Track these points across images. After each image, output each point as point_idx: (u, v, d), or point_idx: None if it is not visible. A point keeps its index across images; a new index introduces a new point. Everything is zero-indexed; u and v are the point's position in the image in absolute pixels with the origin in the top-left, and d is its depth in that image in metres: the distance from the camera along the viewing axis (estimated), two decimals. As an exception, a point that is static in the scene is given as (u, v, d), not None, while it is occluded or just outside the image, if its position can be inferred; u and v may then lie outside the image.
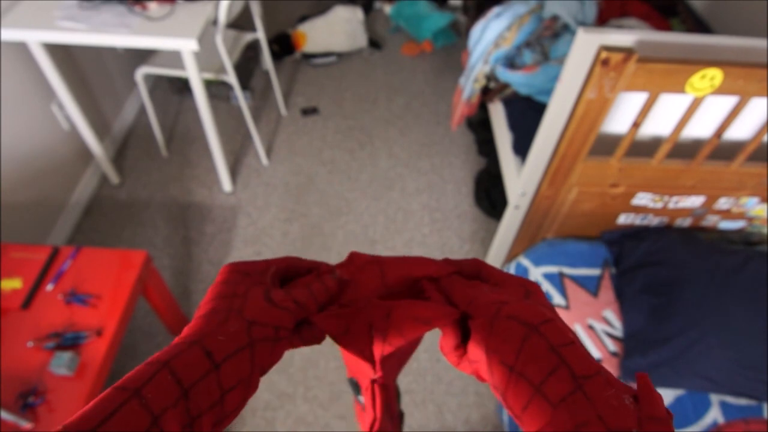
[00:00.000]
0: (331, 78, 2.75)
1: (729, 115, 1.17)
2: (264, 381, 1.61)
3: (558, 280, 1.46)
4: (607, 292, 1.44)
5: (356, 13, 2.80)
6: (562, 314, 1.38)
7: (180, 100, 2.56)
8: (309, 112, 2.53)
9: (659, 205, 1.45)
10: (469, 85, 1.81)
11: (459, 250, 2.00)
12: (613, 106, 1.22)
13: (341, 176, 2.25)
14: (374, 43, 2.93)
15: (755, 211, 1.47)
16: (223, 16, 1.67)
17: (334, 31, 2.75)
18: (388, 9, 3.08)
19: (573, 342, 0.29)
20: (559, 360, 0.28)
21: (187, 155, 2.30)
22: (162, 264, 1.90)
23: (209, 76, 1.92)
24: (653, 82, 1.09)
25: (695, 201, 1.43)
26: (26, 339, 1.16)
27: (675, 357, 1.25)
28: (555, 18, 1.66)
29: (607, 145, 1.30)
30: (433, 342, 1.71)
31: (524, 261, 1.55)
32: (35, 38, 1.53)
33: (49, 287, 1.25)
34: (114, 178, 2.14)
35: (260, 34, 2.17)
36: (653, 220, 1.52)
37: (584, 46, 1.07)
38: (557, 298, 1.42)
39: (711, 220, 1.52)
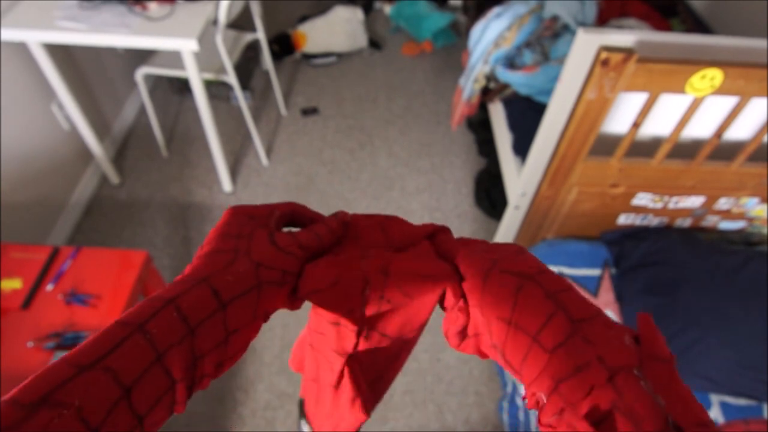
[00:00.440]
0: (331, 78, 2.75)
1: (729, 115, 1.17)
2: (264, 381, 1.61)
3: (558, 280, 1.46)
4: (607, 292, 1.44)
5: (356, 14, 2.80)
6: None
7: (180, 100, 2.56)
8: (309, 112, 2.53)
9: (659, 205, 1.45)
10: (469, 85, 1.81)
11: (459, 250, 2.00)
12: (613, 107, 1.22)
13: (341, 176, 2.25)
14: (374, 44, 2.93)
15: (755, 211, 1.47)
16: (223, 17, 1.67)
17: (334, 32, 2.75)
18: (388, 9, 3.08)
19: (570, 288, 0.28)
20: (556, 306, 0.27)
21: (187, 155, 2.30)
22: (162, 264, 1.90)
23: (209, 76, 1.92)
24: (653, 83, 1.09)
25: (695, 201, 1.43)
26: (26, 339, 1.16)
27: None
28: (555, 18, 1.66)
29: (607, 145, 1.30)
30: (434, 342, 1.71)
31: (524, 261, 1.54)
32: (35, 38, 1.53)
33: (49, 287, 1.25)
34: (114, 178, 2.14)
35: (260, 35, 2.17)
36: (653, 221, 1.52)
37: (584, 46, 1.07)
38: (557, 299, 1.42)
39: (711, 221, 1.52)
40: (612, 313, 1.40)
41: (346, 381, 0.34)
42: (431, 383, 1.64)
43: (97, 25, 1.51)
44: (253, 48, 2.54)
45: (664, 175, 1.34)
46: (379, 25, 3.13)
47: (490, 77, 1.78)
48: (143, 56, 2.00)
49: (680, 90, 1.10)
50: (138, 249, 1.52)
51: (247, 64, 2.59)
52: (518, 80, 1.69)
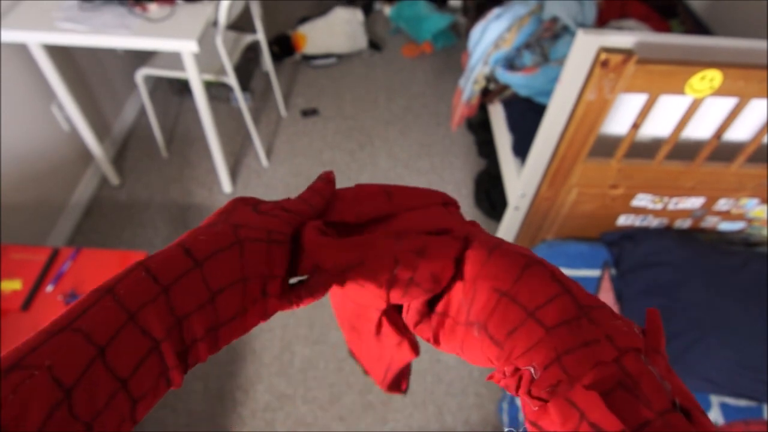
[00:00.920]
0: (331, 79, 2.75)
1: (728, 116, 1.17)
2: (264, 382, 1.61)
3: (558, 281, 1.46)
4: (607, 293, 1.44)
5: (356, 15, 2.81)
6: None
7: (180, 102, 2.56)
8: (309, 113, 2.53)
9: (659, 206, 1.45)
10: (469, 86, 1.81)
11: (459, 251, 2.00)
12: (613, 108, 1.22)
13: (341, 177, 2.25)
14: (374, 45, 2.94)
15: (755, 212, 1.47)
16: (223, 18, 1.68)
17: (334, 33, 2.75)
18: (388, 10, 3.09)
19: (578, 283, 0.28)
20: (562, 289, 0.27)
21: (187, 156, 2.30)
22: (162, 265, 1.89)
23: (209, 77, 1.92)
24: (653, 84, 1.09)
25: (695, 202, 1.43)
26: (26, 340, 1.15)
27: (675, 358, 1.25)
28: (555, 19, 1.66)
29: (606, 146, 1.30)
30: (433, 343, 1.71)
31: (524, 262, 1.55)
32: (35, 39, 1.53)
33: (49, 288, 1.25)
34: (114, 179, 2.14)
35: (260, 36, 2.17)
36: (653, 222, 1.52)
37: (584, 47, 1.07)
38: (557, 299, 1.42)
39: (711, 222, 1.52)
40: (612, 314, 1.40)
41: (387, 328, 0.35)
42: (431, 384, 1.63)
43: (98, 27, 1.52)
44: (253, 49, 2.54)
45: (664, 176, 1.34)
46: (379, 26, 3.13)
47: (490, 78, 1.78)
48: (143, 57, 2.00)
49: (680, 91, 1.10)
50: (138, 250, 1.53)
51: (247, 65, 2.59)
52: (518, 81, 1.69)
